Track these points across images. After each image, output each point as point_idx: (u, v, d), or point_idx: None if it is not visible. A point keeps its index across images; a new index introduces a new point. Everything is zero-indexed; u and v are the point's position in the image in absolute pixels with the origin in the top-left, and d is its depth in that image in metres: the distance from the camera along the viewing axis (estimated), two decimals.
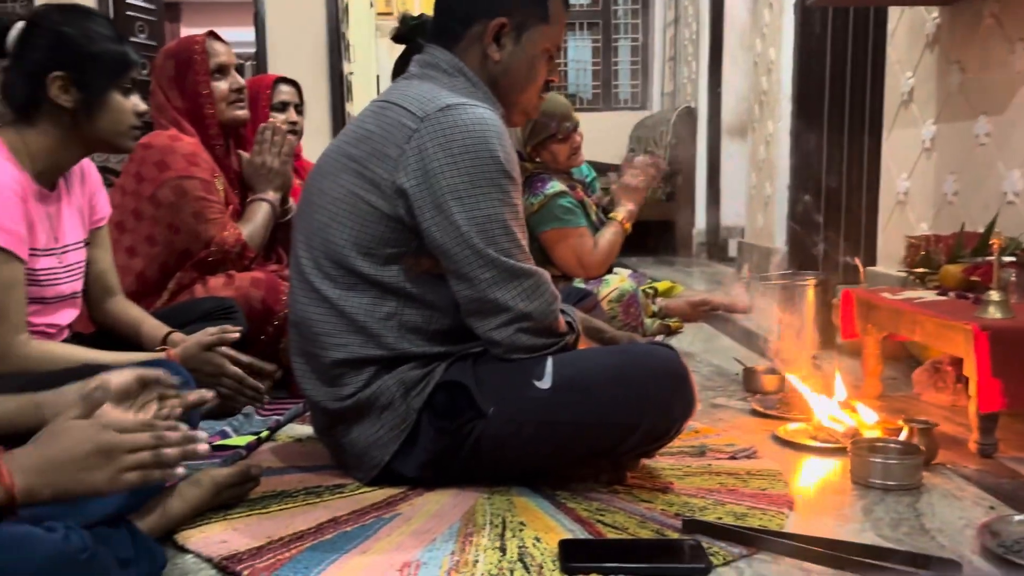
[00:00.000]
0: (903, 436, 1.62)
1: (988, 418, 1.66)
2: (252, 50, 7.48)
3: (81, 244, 1.79)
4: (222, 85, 2.28)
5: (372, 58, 8.55)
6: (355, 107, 7.68)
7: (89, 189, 1.85)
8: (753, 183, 4.66)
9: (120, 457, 0.95)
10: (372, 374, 1.47)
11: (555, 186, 2.90)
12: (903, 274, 2.45)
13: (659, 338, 2.92)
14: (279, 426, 1.90)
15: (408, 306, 1.46)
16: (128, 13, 7.22)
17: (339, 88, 7.14)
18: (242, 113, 2.31)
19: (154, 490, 1.36)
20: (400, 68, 2.44)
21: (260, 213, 2.31)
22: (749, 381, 2.24)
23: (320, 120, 7.06)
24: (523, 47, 1.50)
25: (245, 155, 2.37)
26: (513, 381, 1.41)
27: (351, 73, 7.50)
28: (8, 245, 1.52)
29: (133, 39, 7.27)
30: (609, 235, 2.95)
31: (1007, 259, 2.10)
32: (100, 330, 1.90)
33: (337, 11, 7.11)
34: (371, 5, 8.81)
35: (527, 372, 1.41)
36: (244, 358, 1.78)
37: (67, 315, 1.77)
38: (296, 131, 3.04)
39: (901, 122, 3.05)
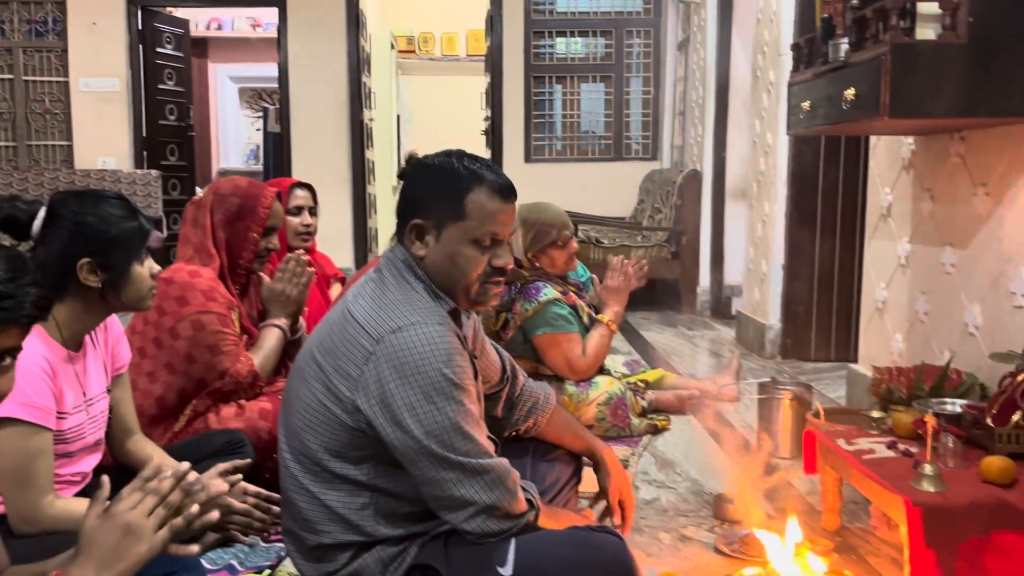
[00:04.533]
0: None
1: None
2: (276, 85, 7.73)
3: (104, 393, 1.99)
4: (263, 243, 2.49)
5: (392, 102, 8.79)
6: (375, 153, 7.92)
7: (111, 341, 2.05)
8: (751, 257, 4.82)
9: (143, 524, 1.19)
10: (353, 554, 1.64)
11: (549, 293, 3.09)
12: (872, 398, 2.60)
13: (645, 439, 3.09)
14: (280, 561, 2.09)
15: (381, 497, 1.62)
16: (157, 62, 7.51)
17: (359, 135, 7.36)
18: (261, 268, 2.53)
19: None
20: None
21: (272, 340, 2.51)
22: (718, 509, 2.40)
23: (341, 168, 7.30)
24: (443, 244, 1.63)
25: (266, 280, 2.57)
26: (479, 565, 1.58)
27: (371, 120, 7.72)
28: (36, 419, 1.72)
29: (162, 86, 7.57)
30: (596, 339, 3.13)
31: (960, 402, 2.26)
32: (120, 465, 2.10)
33: (359, 61, 7.32)
34: (392, 47, 9.05)
35: (491, 557, 1.58)
36: (251, 488, 1.99)
37: (91, 462, 1.97)
38: (309, 232, 3.26)
39: (881, 233, 3.20)
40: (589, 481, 2.04)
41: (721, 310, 5.79)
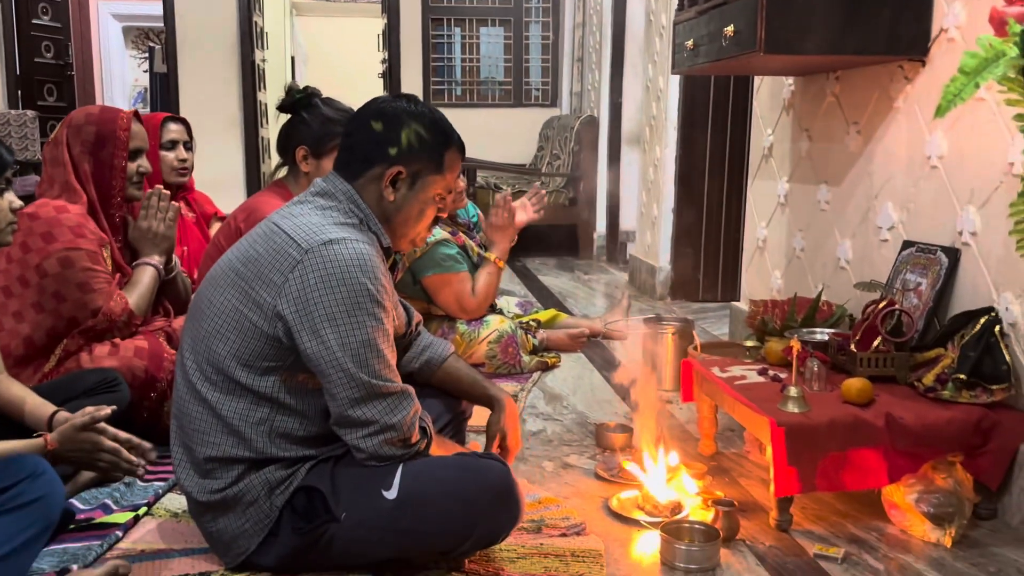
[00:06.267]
0: (710, 518, 1.87)
1: (784, 500, 1.91)
2: (162, 24, 7.38)
3: None
4: (132, 166, 2.38)
5: (286, 43, 8.51)
6: (268, 96, 7.67)
7: None
8: (643, 201, 4.90)
9: None
10: (240, 472, 1.63)
11: (437, 233, 3.08)
12: (748, 329, 2.70)
13: (535, 376, 3.14)
14: (157, 499, 2.05)
15: (280, 413, 1.62)
16: None
17: (251, 77, 7.12)
18: (139, 194, 2.42)
19: None
20: (284, 138, 2.58)
21: (146, 277, 2.43)
22: (600, 437, 2.47)
23: (231, 110, 7.05)
24: (416, 193, 1.68)
25: (131, 220, 2.47)
26: (365, 490, 1.60)
27: (264, 61, 7.46)
28: None
29: (36, 21, 7.14)
30: (484, 277, 3.15)
31: (828, 331, 2.36)
32: None
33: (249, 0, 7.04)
34: None
35: (377, 482, 1.59)
36: (121, 435, 1.92)
37: None
38: (186, 168, 3.14)
39: (763, 174, 3.29)
40: (478, 416, 2.06)
41: (617, 255, 5.88)
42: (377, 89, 7.59)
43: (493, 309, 3.30)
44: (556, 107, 7.31)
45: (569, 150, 6.08)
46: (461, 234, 3.20)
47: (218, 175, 6.04)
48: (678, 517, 1.93)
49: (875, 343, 2.10)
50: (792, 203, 3.05)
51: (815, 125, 2.86)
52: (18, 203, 1.86)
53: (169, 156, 3.05)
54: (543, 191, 3.46)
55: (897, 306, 2.12)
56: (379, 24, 7.80)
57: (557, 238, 6.09)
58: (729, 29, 2.34)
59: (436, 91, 7.33)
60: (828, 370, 2.12)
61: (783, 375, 2.16)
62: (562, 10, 7.18)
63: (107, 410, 1.88)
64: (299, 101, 2.54)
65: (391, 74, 7.26)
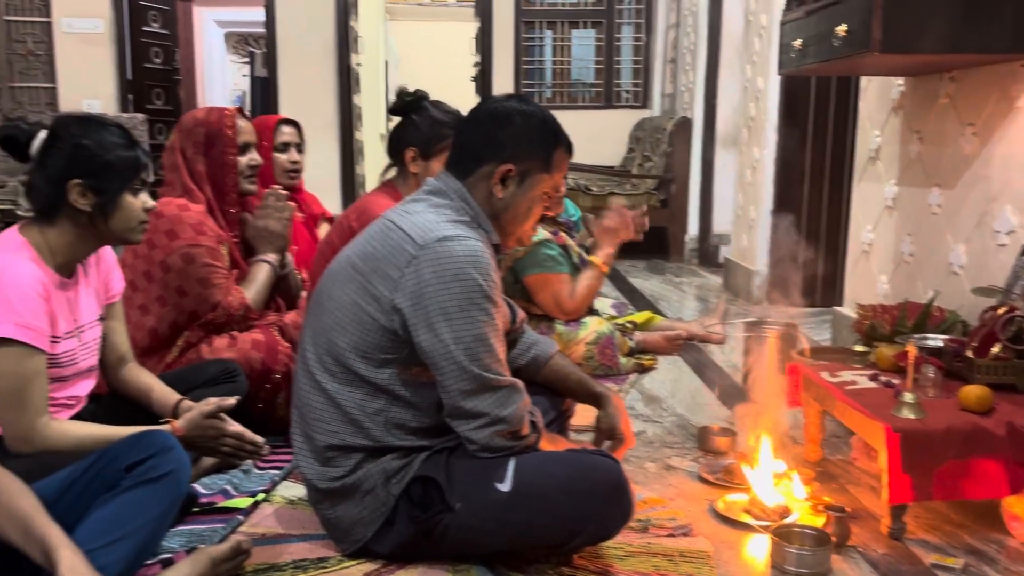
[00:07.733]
0: (820, 523, 1.85)
1: (897, 507, 1.87)
2: (263, 30, 7.62)
3: (97, 321, 2.01)
4: (242, 160, 2.48)
5: (380, 48, 8.67)
6: (363, 99, 7.84)
7: (104, 270, 2.06)
8: (740, 203, 4.83)
9: None
10: (359, 461, 1.69)
11: (540, 234, 3.10)
12: (856, 335, 2.64)
13: (632, 377, 3.14)
14: (273, 486, 2.13)
15: (395, 404, 1.68)
16: (141, 3, 7.39)
17: (347, 81, 7.29)
18: (253, 187, 2.53)
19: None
20: (394, 140, 2.64)
21: (262, 274, 2.53)
22: (703, 440, 2.45)
23: (328, 113, 7.23)
24: (524, 190, 1.72)
25: (249, 218, 2.58)
26: (479, 481, 1.64)
27: (359, 65, 7.63)
28: (32, 341, 1.73)
29: (147, 28, 7.46)
30: (587, 280, 3.16)
31: (942, 337, 2.30)
32: (113, 392, 2.12)
33: (346, 4, 7.21)
34: None
35: (491, 474, 1.64)
36: (237, 427, 1.99)
37: (85, 386, 1.99)
38: (297, 170, 3.25)
39: (869, 176, 3.22)
40: (581, 415, 2.08)
41: (709, 258, 5.82)
42: (469, 93, 7.68)
43: (590, 311, 3.32)
44: (647, 108, 7.28)
45: (661, 152, 6.04)
46: (562, 234, 3.22)
47: (315, 177, 6.16)
48: (788, 521, 1.91)
49: (994, 350, 2.04)
50: (900, 206, 2.97)
51: (927, 127, 2.78)
52: (151, 203, 1.96)
53: (282, 158, 3.15)
54: (645, 218, 3.37)
55: (1018, 312, 2.05)
56: (470, 28, 7.89)
57: (647, 240, 6.01)
58: (841, 29, 2.30)
59: (526, 94, 7.37)
60: (943, 377, 2.07)
61: (895, 381, 2.11)
62: (655, 11, 7.14)
63: (232, 400, 1.97)
64: (409, 104, 2.60)
65: (483, 77, 7.33)
